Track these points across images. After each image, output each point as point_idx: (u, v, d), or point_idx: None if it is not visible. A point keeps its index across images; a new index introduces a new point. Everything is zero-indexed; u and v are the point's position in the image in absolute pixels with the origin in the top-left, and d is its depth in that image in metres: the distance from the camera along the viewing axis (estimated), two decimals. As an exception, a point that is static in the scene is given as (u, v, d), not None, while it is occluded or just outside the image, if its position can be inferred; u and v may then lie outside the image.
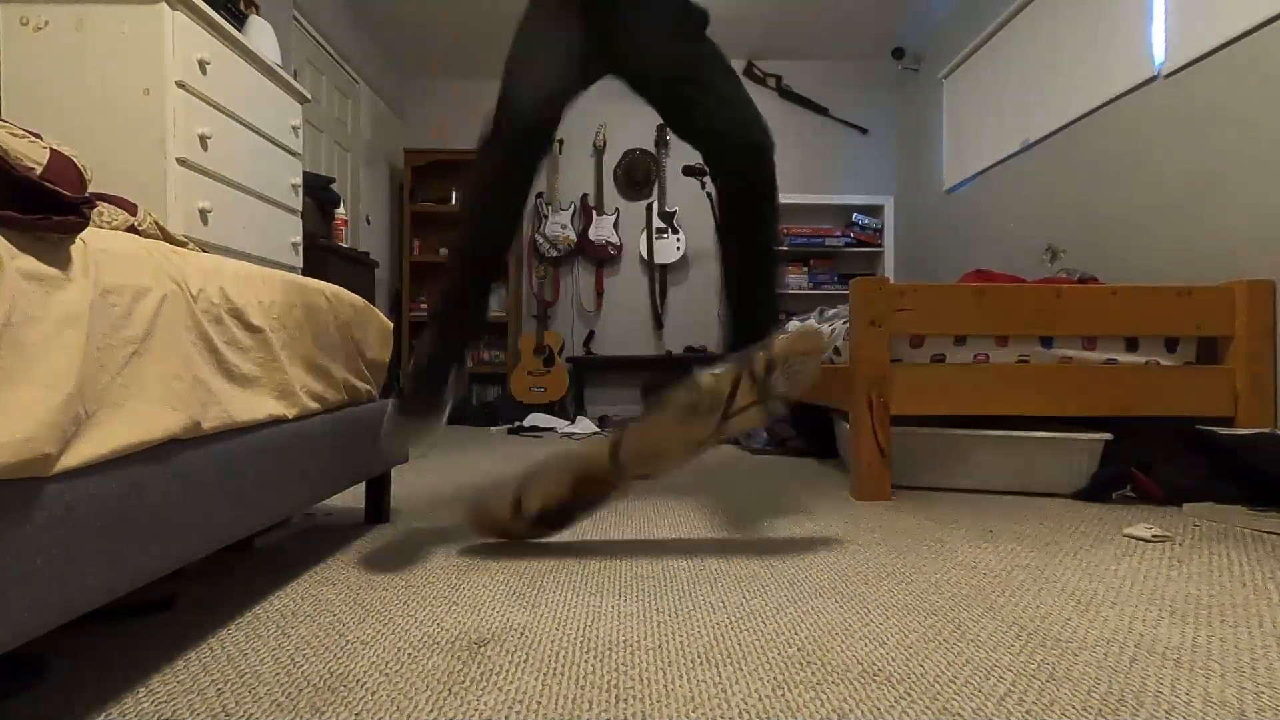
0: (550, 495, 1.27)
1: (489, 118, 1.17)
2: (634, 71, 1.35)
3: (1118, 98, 2.61)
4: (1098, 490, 1.86)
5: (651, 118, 1.35)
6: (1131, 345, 1.96)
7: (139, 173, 1.78)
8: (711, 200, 1.31)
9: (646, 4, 1.32)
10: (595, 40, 1.28)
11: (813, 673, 0.82)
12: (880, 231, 4.75)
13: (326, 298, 1.25)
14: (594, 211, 4.83)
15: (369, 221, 4.34)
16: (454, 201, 4.65)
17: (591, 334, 4.87)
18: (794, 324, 3.27)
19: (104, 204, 1.06)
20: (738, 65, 4.69)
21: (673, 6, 1.35)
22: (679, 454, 1.27)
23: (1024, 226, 3.24)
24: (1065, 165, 2.94)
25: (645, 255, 4.73)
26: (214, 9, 2.05)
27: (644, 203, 4.78)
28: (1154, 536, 1.44)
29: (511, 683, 0.79)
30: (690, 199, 4.52)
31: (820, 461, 2.68)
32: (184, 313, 0.81)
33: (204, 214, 1.91)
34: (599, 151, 4.85)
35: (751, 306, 1.39)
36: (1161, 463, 1.87)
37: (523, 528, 1.31)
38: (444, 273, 1.29)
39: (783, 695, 0.76)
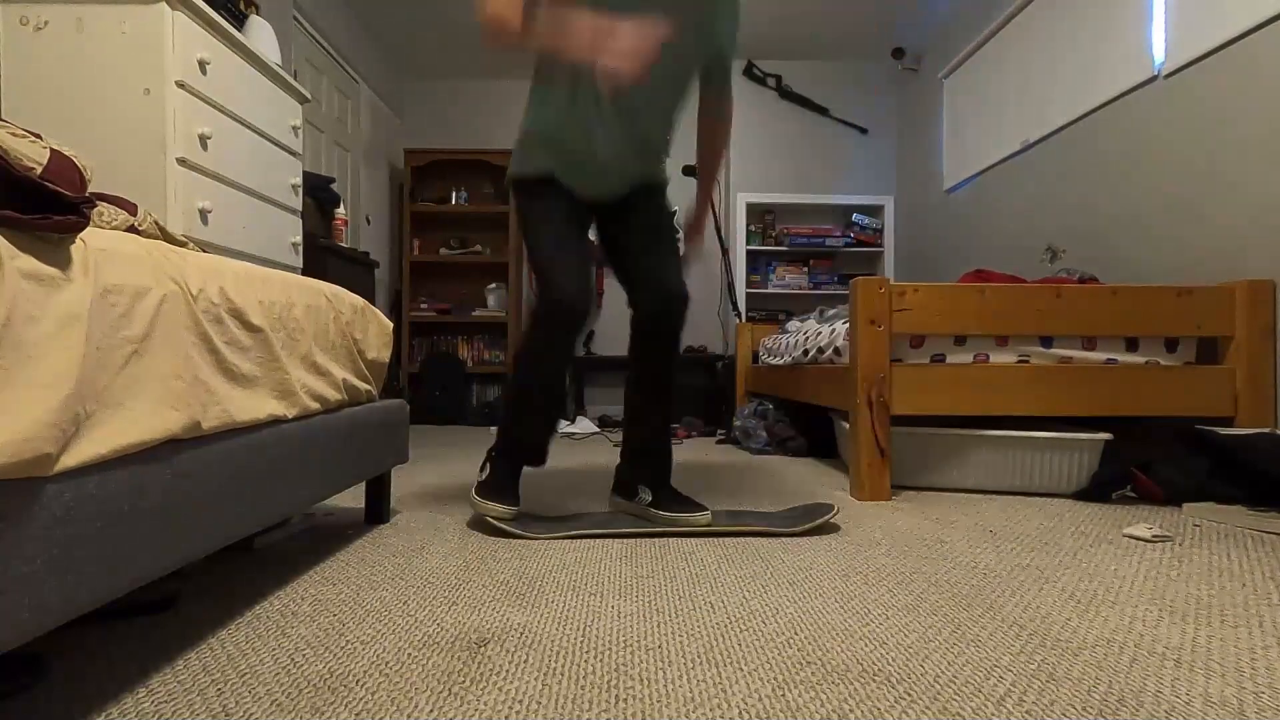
0: None
1: (539, 300, 1.48)
2: (609, 236, 1.69)
3: (1118, 98, 2.61)
4: (1098, 490, 1.86)
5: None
6: (1131, 345, 1.96)
7: (139, 173, 1.78)
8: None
9: (639, 205, 1.65)
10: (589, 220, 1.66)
11: (813, 673, 0.82)
12: (880, 231, 4.75)
13: (326, 298, 1.25)
14: (594, 211, 4.82)
15: (369, 221, 4.34)
16: (454, 201, 4.65)
17: (591, 334, 4.87)
18: (794, 323, 3.27)
19: (104, 204, 1.06)
20: (738, 65, 4.71)
21: (656, 202, 1.68)
22: None
23: (1024, 226, 3.24)
24: (1065, 165, 2.94)
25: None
26: (214, 9, 2.05)
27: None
28: (1154, 536, 1.44)
29: (511, 683, 0.79)
30: (690, 199, 4.51)
31: (820, 461, 2.68)
32: (184, 313, 0.81)
33: (204, 214, 1.91)
34: (599, 151, 4.84)
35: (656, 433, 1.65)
36: (1161, 463, 1.87)
37: None
38: (522, 383, 1.54)
39: (783, 695, 0.76)
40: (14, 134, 0.69)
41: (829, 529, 1.54)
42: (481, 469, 1.60)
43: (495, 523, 1.47)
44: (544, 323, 1.46)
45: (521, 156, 1.58)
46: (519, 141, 1.60)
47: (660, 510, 1.54)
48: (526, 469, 1.63)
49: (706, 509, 1.53)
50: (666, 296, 1.57)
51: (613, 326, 4.87)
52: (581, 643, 0.91)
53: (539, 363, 1.50)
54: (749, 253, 4.71)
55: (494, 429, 4.00)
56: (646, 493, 1.59)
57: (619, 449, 1.69)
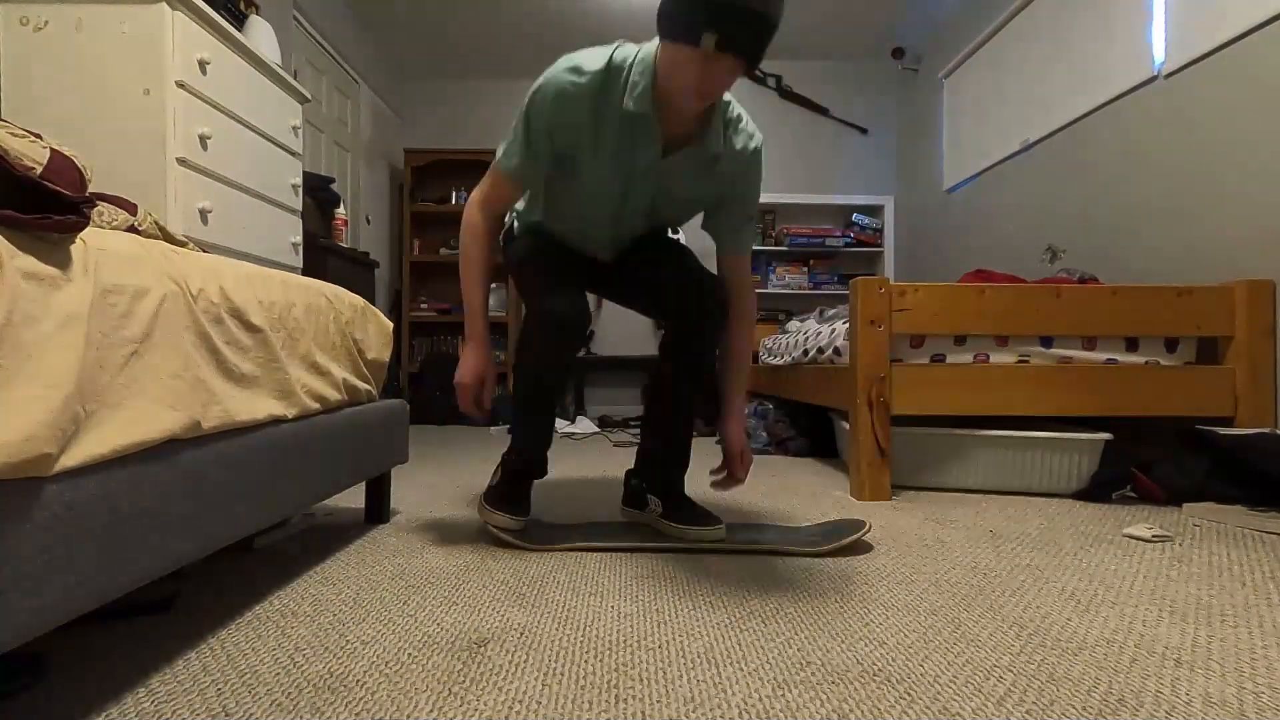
0: None
1: (529, 316, 1.40)
2: (612, 281, 1.60)
3: (1118, 98, 2.61)
4: (1098, 490, 1.86)
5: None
6: (1131, 345, 1.96)
7: (139, 173, 1.78)
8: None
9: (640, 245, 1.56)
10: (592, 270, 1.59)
11: (813, 673, 0.82)
12: (880, 231, 4.75)
13: (326, 298, 1.25)
14: (594, 211, 4.82)
15: (369, 221, 4.34)
16: (454, 201, 4.65)
17: (591, 334, 4.87)
18: (794, 324, 3.27)
19: (104, 204, 1.06)
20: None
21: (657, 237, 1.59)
22: None
23: (1024, 226, 3.24)
24: (1065, 165, 2.94)
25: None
26: (214, 9, 2.05)
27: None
28: (1154, 536, 1.44)
29: (511, 683, 0.79)
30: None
31: (820, 461, 2.68)
32: (184, 313, 0.81)
33: (204, 214, 1.91)
34: (599, 151, 4.84)
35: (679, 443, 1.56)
36: (1161, 463, 1.87)
37: None
38: (515, 396, 1.49)
39: (783, 695, 0.76)
40: (14, 134, 0.69)
41: (861, 548, 1.38)
42: (493, 475, 1.53)
43: (498, 533, 1.42)
44: (533, 332, 1.38)
45: (518, 232, 1.56)
46: (519, 228, 1.57)
47: (672, 522, 1.46)
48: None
49: (721, 523, 1.42)
50: (688, 280, 1.43)
51: (613, 326, 4.87)
52: (581, 643, 0.91)
53: (529, 374, 1.44)
54: (749, 253, 4.71)
55: (494, 429, 4.01)
56: (657, 504, 1.50)
57: (621, 448, 1.65)
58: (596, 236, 1.50)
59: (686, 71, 1.13)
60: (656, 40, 1.24)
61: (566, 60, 1.27)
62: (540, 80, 1.28)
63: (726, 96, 1.33)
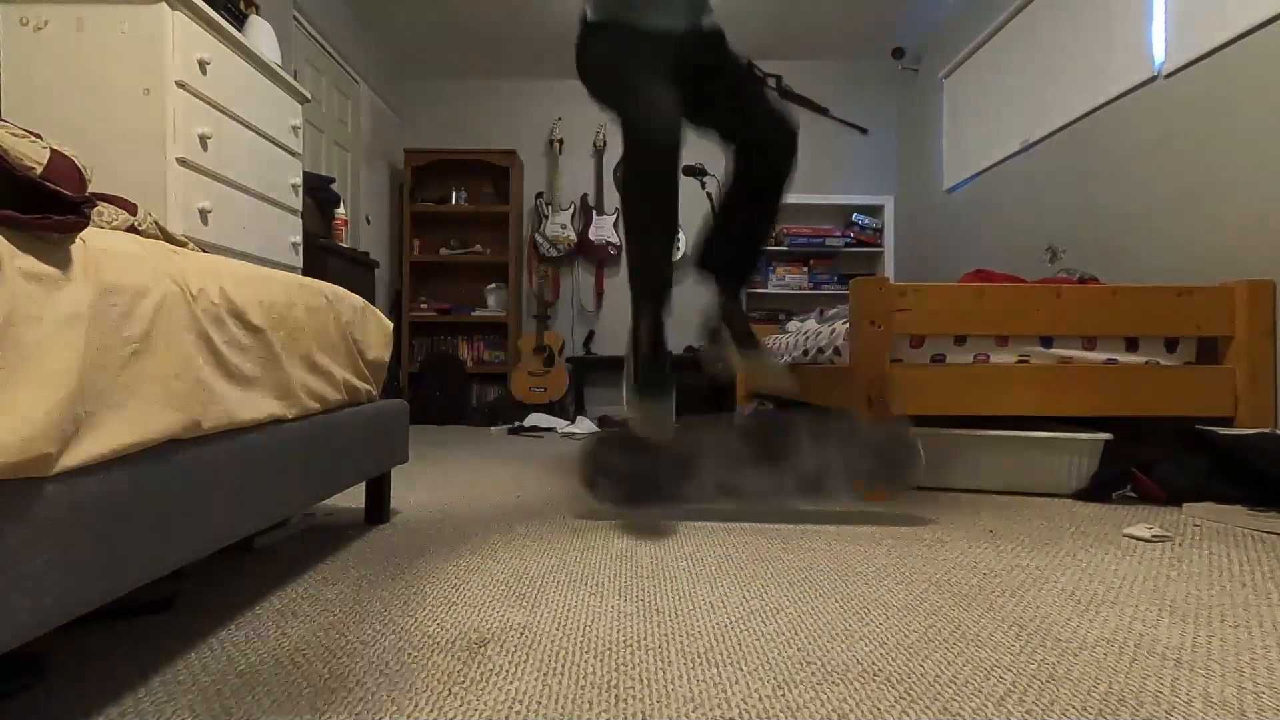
0: None
1: (626, 131, 1.38)
2: (693, 93, 1.61)
3: (1118, 98, 2.61)
4: (1098, 490, 1.86)
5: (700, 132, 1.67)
6: (1131, 345, 1.96)
7: (139, 173, 1.78)
8: (718, 182, 1.61)
9: (711, 45, 1.68)
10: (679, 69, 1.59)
11: (813, 673, 0.82)
12: (880, 231, 4.75)
13: (326, 298, 1.25)
14: (594, 212, 4.83)
15: (369, 221, 4.34)
16: (454, 201, 4.65)
17: (591, 334, 4.87)
18: (794, 324, 3.26)
19: (104, 204, 1.06)
20: (738, 65, 4.72)
21: (730, 58, 1.70)
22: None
23: (1024, 226, 3.24)
24: (1065, 165, 2.94)
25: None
26: (214, 9, 2.05)
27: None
28: (1154, 536, 1.44)
29: (511, 683, 0.79)
30: (690, 199, 4.50)
31: (820, 461, 2.67)
32: (184, 313, 0.81)
33: (204, 214, 1.91)
34: (599, 152, 4.85)
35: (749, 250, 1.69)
36: (1161, 463, 1.87)
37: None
38: (637, 270, 1.49)
39: (783, 695, 0.76)
40: (14, 134, 0.69)
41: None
42: (625, 373, 1.55)
43: (653, 428, 1.45)
44: (636, 149, 1.37)
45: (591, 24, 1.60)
46: (592, 13, 1.63)
47: (746, 352, 1.61)
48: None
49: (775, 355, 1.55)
50: (777, 123, 1.55)
51: (613, 326, 4.87)
52: (581, 643, 0.91)
53: (642, 199, 1.42)
54: (749, 253, 4.71)
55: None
56: (725, 329, 1.65)
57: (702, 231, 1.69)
58: None
59: None
60: None
61: None
62: None
63: None
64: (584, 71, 1.64)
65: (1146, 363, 1.95)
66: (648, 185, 1.39)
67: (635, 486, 1.59)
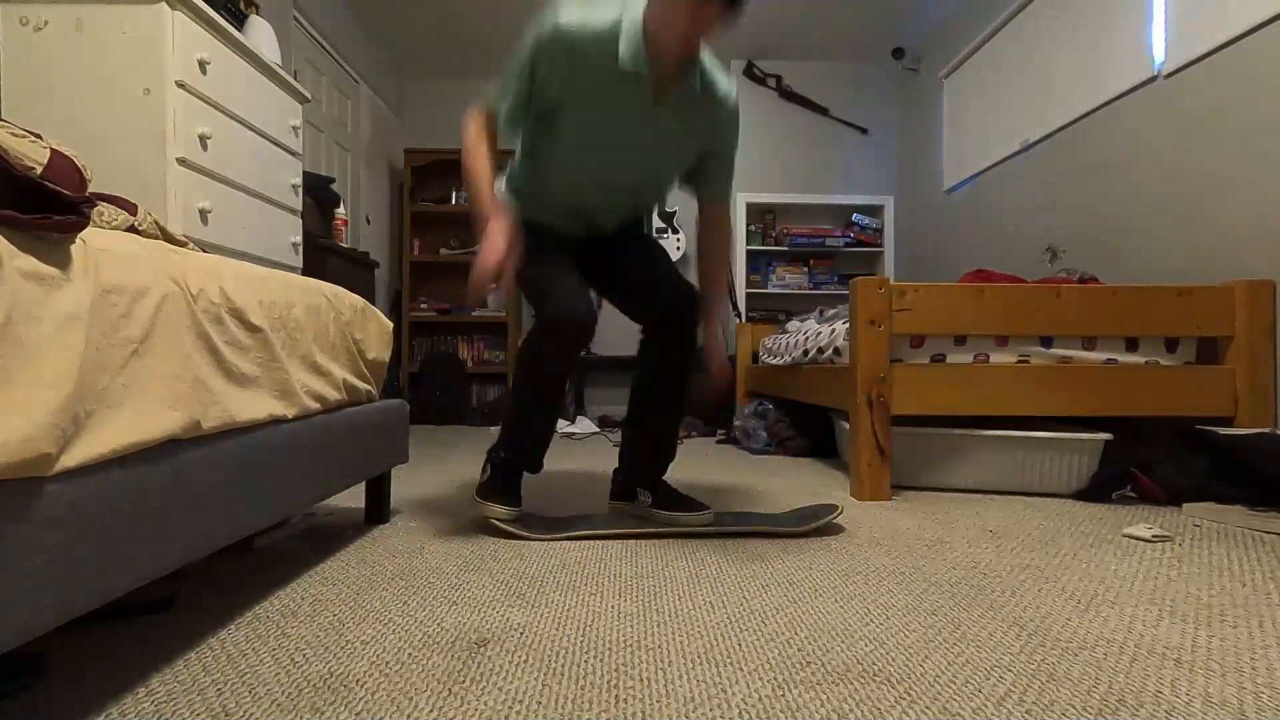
0: None
1: (539, 323, 1.42)
2: (597, 271, 1.66)
3: (1118, 98, 2.61)
4: (1098, 490, 1.86)
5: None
6: (1131, 345, 1.96)
7: (139, 173, 1.78)
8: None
9: (625, 235, 1.66)
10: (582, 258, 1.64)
11: (813, 673, 0.82)
12: (880, 231, 4.75)
13: (326, 298, 1.25)
14: (594, 211, 4.82)
15: (369, 221, 4.34)
16: (454, 201, 4.65)
17: (485, 472, 4.85)
18: (794, 324, 3.27)
19: (104, 204, 1.06)
20: (738, 65, 4.72)
21: (638, 233, 1.69)
22: None
23: (1024, 226, 3.24)
24: (1065, 165, 2.94)
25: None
26: (214, 9, 2.05)
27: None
28: (1154, 536, 1.44)
29: (511, 683, 0.79)
30: (690, 200, 4.51)
31: (820, 461, 2.68)
32: (184, 313, 0.81)
33: (204, 214, 1.91)
34: (599, 151, 4.84)
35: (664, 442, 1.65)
36: (1161, 463, 1.87)
37: None
38: (519, 398, 1.54)
39: (783, 695, 0.76)
40: (14, 134, 0.69)
41: (832, 529, 1.54)
42: (483, 470, 1.60)
43: (498, 524, 1.48)
44: (543, 339, 1.42)
45: (510, 200, 1.57)
46: (507, 189, 1.60)
47: (662, 510, 1.55)
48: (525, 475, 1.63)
49: (708, 508, 1.54)
50: (677, 295, 1.55)
51: (612, 326, 4.87)
52: (581, 643, 0.91)
53: (536, 377, 1.49)
54: (749, 253, 4.71)
55: (494, 429, 4.01)
56: (646, 495, 1.61)
57: (619, 448, 1.69)
58: (585, 202, 1.53)
59: (678, 16, 1.25)
60: (641, 1, 1.33)
61: (567, 5, 1.32)
62: (543, 19, 1.33)
63: (704, 53, 1.43)
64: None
65: (1146, 363, 1.95)
66: (548, 369, 1.46)
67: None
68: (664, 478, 1.64)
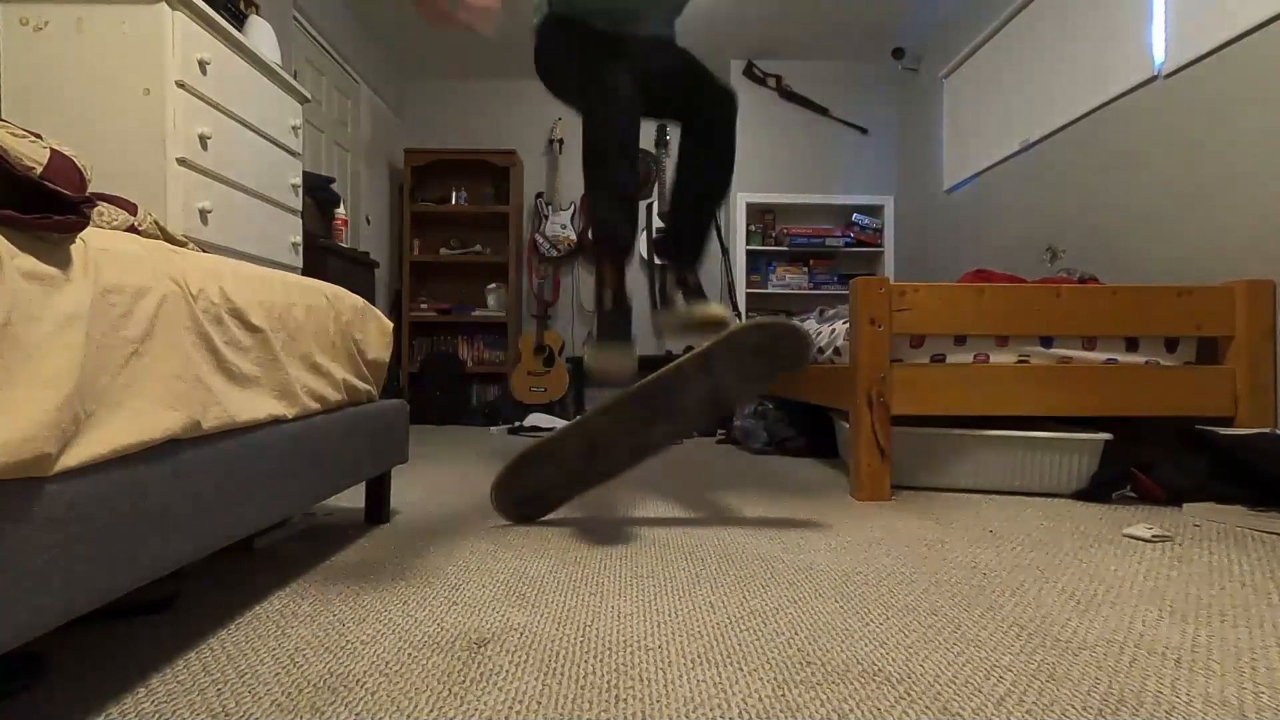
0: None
1: (589, 98, 1.51)
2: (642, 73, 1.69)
3: (1118, 98, 2.61)
4: (1098, 490, 1.86)
5: (651, 120, 1.76)
6: (1131, 345, 1.96)
7: (139, 173, 1.78)
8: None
9: (658, 39, 1.79)
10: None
11: (813, 673, 0.82)
12: (880, 231, 4.75)
13: (326, 298, 1.25)
14: (594, 211, 4.82)
15: (369, 221, 4.34)
16: (454, 202, 4.65)
17: (591, 334, 4.86)
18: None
19: (104, 204, 1.06)
20: (738, 65, 4.71)
21: (673, 50, 1.81)
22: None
23: (1024, 226, 3.24)
24: (1065, 165, 2.94)
25: (645, 255, 4.73)
26: (214, 9, 2.05)
27: (644, 203, 4.78)
28: (1154, 536, 1.44)
29: (511, 683, 0.79)
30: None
31: (820, 461, 2.68)
32: (184, 313, 0.81)
33: (204, 214, 1.91)
34: (599, 151, 4.84)
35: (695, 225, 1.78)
36: (1161, 463, 1.87)
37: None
38: (600, 234, 1.61)
39: (783, 695, 0.76)
40: (14, 134, 0.69)
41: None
42: (590, 328, 1.71)
43: (613, 367, 1.51)
44: (595, 129, 1.49)
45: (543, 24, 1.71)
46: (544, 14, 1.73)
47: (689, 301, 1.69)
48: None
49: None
50: (716, 95, 1.66)
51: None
52: (581, 643, 0.91)
53: (599, 143, 1.51)
54: (749, 253, 4.71)
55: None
56: (678, 293, 1.74)
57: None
58: None
59: None
60: None
61: None
62: None
63: None
64: (543, 64, 1.75)
65: (1146, 363, 1.95)
66: (607, 154, 1.50)
67: (552, 489, 1.60)
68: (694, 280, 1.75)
